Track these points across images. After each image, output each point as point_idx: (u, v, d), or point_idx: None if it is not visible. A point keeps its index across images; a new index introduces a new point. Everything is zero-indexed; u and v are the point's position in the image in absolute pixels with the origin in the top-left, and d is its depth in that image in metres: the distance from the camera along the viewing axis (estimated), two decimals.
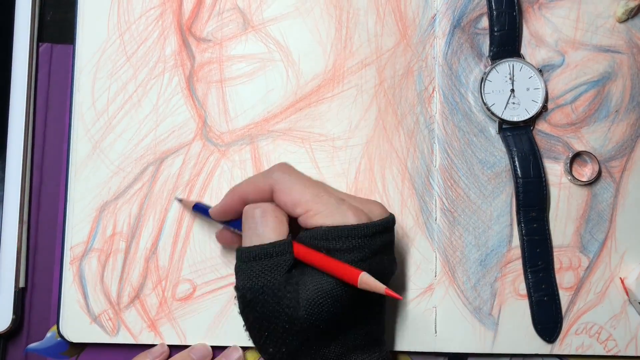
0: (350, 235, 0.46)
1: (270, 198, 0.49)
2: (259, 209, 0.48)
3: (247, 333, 0.49)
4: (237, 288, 0.48)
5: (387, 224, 0.49)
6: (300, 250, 0.47)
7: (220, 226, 0.54)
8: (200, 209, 0.54)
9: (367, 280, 0.44)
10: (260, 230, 0.47)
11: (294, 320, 0.45)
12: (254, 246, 0.47)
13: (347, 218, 0.47)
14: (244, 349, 0.55)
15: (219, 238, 0.54)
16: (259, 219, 0.48)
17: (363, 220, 0.47)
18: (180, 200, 0.56)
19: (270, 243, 0.47)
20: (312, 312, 0.45)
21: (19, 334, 0.56)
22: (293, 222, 0.49)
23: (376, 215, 0.49)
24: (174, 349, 0.55)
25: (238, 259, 0.48)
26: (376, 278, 0.45)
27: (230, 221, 0.51)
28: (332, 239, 0.46)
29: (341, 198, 0.48)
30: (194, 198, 0.56)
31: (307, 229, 0.48)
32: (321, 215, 0.47)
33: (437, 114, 0.58)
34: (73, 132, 0.57)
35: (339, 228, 0.46)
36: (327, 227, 0.46)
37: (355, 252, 0.46)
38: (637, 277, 0.56)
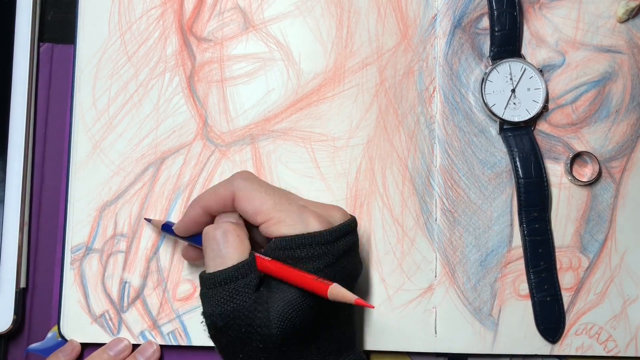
0: (314, 242, 0.46)
1: (231, 207, 0.49)
2: (220, 230, 0.47)
3: (220, 355, 0.48)
4: (205, 315, 0.47)
5: (349, 227, 0.49)
6: (268, 265, 0.47)
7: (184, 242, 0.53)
8: (168, 228, 0.53)
9: (337, 292, 0.44)
10: (223, 251, 0.46)
11: (266, 338, 0.45)
12: (218, 271, 0.46)
13: (309, 225, 0.47)
14: None
15: (185, 255, 0.53)
16: (221, 240, 0.47)
17: (325, 226, 0.47)
18: (149, 221, 0.55)
19: (234, 266, 0.46)
20: (284, 327, 0.45)
21: (20, 334, 0.56)
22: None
23: (337, 220, 0.48)
24: (175, 349, 0.55)
25: (202, 285, 0.47)
26: (343, 282, 0.45)
27: (194, 237, 0.51)
28: (295, 248, 0.46)
29: (302, 205, 0.48)
30: (194, 198, 0.56)
31: (270, 240, 0.47)
32: (283, 224, 0.47)
33: (438, 114, 0.58)
34: (74, 132, 0.57)
35: (302, 236, 0.46)
36: (290, 236, 0.46)
37: (320, 260, 0.46)
38: None
